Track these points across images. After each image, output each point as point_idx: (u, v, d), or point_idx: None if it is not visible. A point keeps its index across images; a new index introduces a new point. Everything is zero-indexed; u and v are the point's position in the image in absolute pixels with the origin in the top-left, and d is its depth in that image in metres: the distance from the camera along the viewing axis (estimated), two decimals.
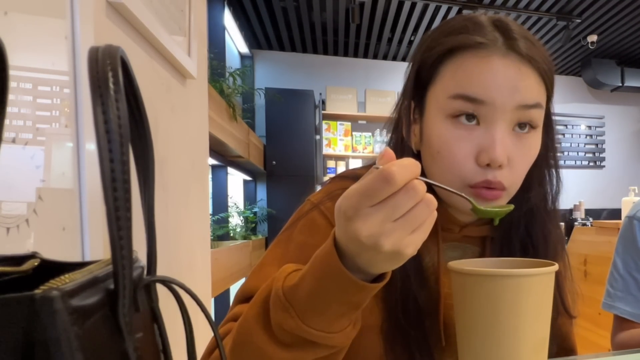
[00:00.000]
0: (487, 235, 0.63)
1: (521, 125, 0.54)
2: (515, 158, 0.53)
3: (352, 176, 0.64)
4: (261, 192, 4.21)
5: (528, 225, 0.62)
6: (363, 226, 0.37)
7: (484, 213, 0.51)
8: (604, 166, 5.20)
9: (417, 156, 0.59)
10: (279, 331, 0.43)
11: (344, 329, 0.44)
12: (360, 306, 0.43)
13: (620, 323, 0.96)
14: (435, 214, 0.39)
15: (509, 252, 0.61)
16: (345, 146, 4.36)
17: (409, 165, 0.37)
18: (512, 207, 0.52)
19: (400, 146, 0.61)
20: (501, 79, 0.51)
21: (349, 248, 0.39)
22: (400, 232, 0.37)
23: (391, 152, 0.38)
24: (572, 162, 5.10)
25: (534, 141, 0.55)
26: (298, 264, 0.48)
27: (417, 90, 0.59)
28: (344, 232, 0.39)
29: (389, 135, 0.66)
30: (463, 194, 0.47)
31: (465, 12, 3.55)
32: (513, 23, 0.55)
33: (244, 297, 0.57)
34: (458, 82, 0.52)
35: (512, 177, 0.54)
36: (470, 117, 0.52)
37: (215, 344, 0.52)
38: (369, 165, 0.68)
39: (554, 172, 0.64)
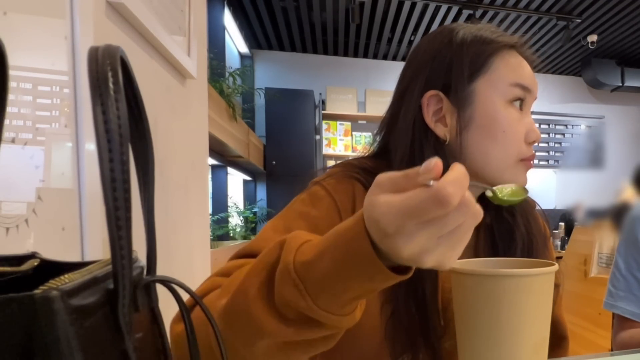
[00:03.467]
0: (480, 221, 0.66)
1: None
2: None
3: (359, 166, 0.67)
4: (261, 192, 4.21)
5: (512, 209, 0.69)
6: (405, 245, 0.33)
7: (503, 202, 0.53)
8: (604, 166, 5.20)
9: (442, 145, 0.63)
10: (283, 306, 0.40)
11: (353, 312, 0.42)
12: (376, 292, 0.41)
13: (622, 322, 0.97)
14: (473, 224, 0.36)
15: (499, 236, 0.67)
16: (345, 146, 4.36)
17: (463, 180, 0.32)
18: (525, 196, 0.57)
19: (425, 138, 0.63)
20: (534, 76, 0.65)
21: (384, 249, 0.36)
22: (443, 249, 0.34)
23: (440, 165, 0.32)
24: (572, 162, 5.10)
25: None
26: (308, 233, 0.44)
27: (461, 80, 0.62)
28: (380, 242, 0.35)
29: (399, 129, 0.65)
30: (488, 187, 0.51)
31: (465, 12, 3.55)
32: None
33: (240, 256, 0.56)
34: (516, 73, 0.63)
35: None
36: (520, 103, 0.64)
37: (201, 297, 0.49)
38: (370, 156, 0.70)
39: None
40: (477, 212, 0.34)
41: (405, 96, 0.65)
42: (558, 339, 0.72)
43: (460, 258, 0.55)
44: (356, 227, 0.37)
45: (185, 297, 0.30)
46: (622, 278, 0.98)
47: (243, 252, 0.56)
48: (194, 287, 0.48)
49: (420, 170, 0.33)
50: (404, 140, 0.63)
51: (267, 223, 0.62)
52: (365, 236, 0.36)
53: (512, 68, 0.63)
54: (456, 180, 0.32)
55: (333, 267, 0.38)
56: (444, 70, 0.63)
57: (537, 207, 0.74)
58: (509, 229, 0.67)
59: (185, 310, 0.29)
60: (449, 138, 0.63)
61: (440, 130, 0.63)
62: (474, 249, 0.66)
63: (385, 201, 0.34)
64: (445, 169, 0.33)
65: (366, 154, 0.71)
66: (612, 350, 1.05)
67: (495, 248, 0.66)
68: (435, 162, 0.32)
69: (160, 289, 0.29)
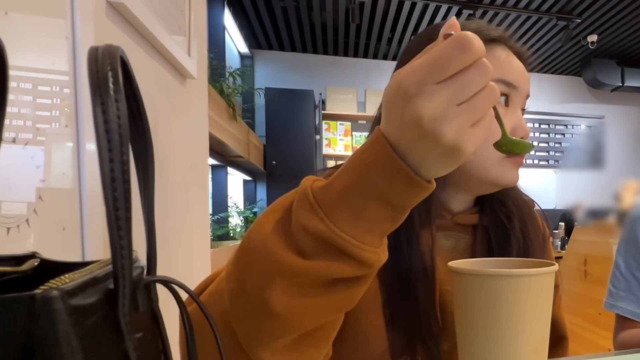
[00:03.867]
0: (477, 223, 0.68)
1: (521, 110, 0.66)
2: None
3: None
4: (261, 192, 4.21)
5: (509, 212, 0.69)
6: (427, 105, 0.33)
7: (510, 143, 0.45)
8: (604, 166, 5.20)
9: None
10: (302, 235, 0.37)
11: (376, 248, 0.38)
12: (397, 219, 0.38)
13: (623, 322, 0.97)
14: (492, 112, 0.36)
15: (495, 239, 0.67)
16: (345, 146, 4.36)
17: (479, 38, 0.32)
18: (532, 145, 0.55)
19: None
20: (523, 71, 0.63)
21: (403, 139, 0.35)
22: (462, 120, 0.33)
23: (457, 21, 0.34)
24: (572, 162, 5.10)
25: None
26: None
27: None
28: (401, 117, 0.34)
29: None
30: (501, 120, 0.43)
31: (465, 12, 3.55)
32: None
33: None
34: (499, 68, 0.61)
35: None
36: (505, 99, 0.62)
37: (208, 284, 0.47)
38: None
39: None
40: (494, 87, 0.34)
41: None
42: (558, 339, 0.72)
43: (459, 259, 0.56)
44: (372, 137, 0.37)
45: (184, 297, 0.30)
46: (623, 278, 0.98)
47: None
48: (193, 288, 0.48)
49: (442, 29, 0.34)
50: None
51: None
52: (382, 139, 0.36)
53: (498, 62, 0.61)
54: (474, 35, 0.32)
55: (350, 179, 0.37)
56: None
57: (537, 207, 0.74)
58: (505, 232, 0.67)
59: (185, 312, 0.29)
60: None
61: None
62: (471, 251, 0.67)
63: (408, 66, 0.34)
64: None
65: None
66: (612, 350, 1.05)
67: (492, 251, 0.66)
68: (454, 19, 0.34)
69: (160, 289, 0.29)
